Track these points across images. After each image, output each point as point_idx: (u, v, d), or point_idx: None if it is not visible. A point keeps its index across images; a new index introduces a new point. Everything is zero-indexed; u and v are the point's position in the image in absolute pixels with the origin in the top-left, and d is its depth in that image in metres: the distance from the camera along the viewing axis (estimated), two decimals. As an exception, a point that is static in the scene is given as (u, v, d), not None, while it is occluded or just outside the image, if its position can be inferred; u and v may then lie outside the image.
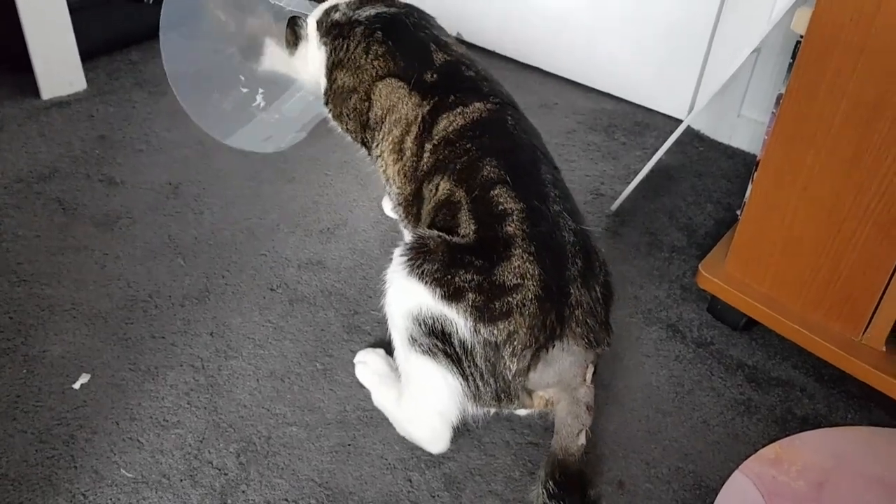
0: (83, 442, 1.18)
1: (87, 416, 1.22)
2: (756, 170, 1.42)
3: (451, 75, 1.25)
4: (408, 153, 1.23)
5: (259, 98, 1.60)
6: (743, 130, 1.97)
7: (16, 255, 1.49)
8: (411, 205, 1.24)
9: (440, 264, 1.05)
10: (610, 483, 1.20)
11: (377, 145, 1.30)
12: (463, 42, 2.41)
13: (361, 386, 1.30)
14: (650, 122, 2.07)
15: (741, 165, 1.91)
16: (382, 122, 1.27)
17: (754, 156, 1.90)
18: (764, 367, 1.40)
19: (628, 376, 1.37)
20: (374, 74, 1.29)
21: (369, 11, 1.35)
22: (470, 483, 1.18)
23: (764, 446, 1.27)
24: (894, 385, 1.26)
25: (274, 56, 1.50)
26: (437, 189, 1.16)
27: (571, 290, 1.07)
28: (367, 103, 1.30)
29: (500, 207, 1.09)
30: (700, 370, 1.39)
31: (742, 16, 1.87)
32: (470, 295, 1.04)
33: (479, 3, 2.35)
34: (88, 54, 2.04)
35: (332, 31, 1.36)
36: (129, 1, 2.21)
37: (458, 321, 1.04)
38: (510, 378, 1.06)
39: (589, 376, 1.10)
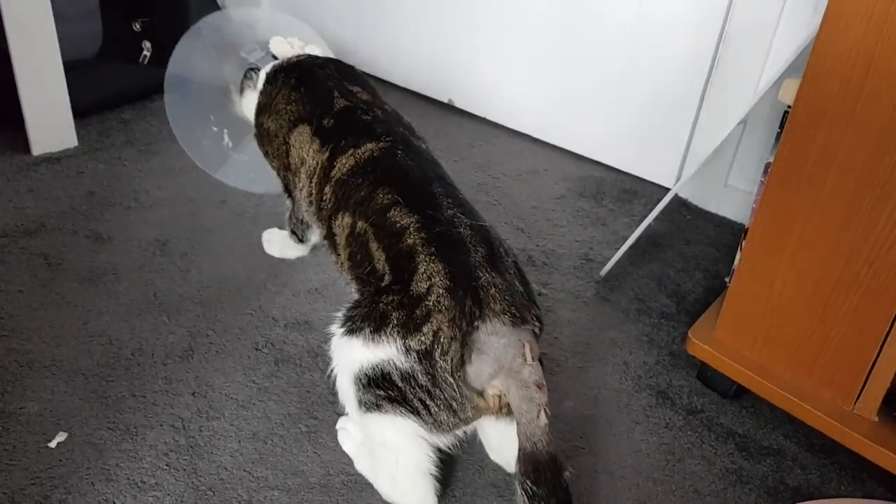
0: (56, 503, 1.14)
1: (62, 475, 1.18)
2: (744, 238, 1.43)
3: (347, 120, 1.35)
4: (315, 197, 1.31)
5: (226, 137, 1.79)
6: (730, 200, 1.99)
7: (-3, 310, 1.47)
8: (332, 241, 1.29)
9: (367, 306, 1.10)
10: (600, 554, 1.16)
11: (296, 189, 1.40)
12: (455, 108, 2.45)
13: (346, 449, 1.27)
14: (638, 190, 2.09)
15: (729, 234, 1.93)
16: (299, 171, 1.37)
17: (742, 224, 1.92)
18: (755, 435, 1.38)
19: (618, 443, 1.35)
20: (289, 119, 1.41)
21: (292, 60, 1.51)
22: (456, 553, 1.14)
23: (757, 518, 1.24)
24: (886, 456, 1.24)
25: (236, 101, 1.66)
26: (343, 225, 1.23)
27: (480, 274, 1.08)
28: (285, 147, 1.41)
29: (398, 225, 1.14)
30: (690, 438, 1.37)
31: (730, 86, 1.92)
32: (393, 315, 1.07)
33: (470, 72, 2.39)
34: (81, 112, 2.05)
35: (269, 78, 1.51)
36: (123, 61, 2.24)
37: (391, 351, 1.06)
38: (451, 379, 1.04)
39: (528, 355, 1.06)
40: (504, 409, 1.08)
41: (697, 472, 1.31)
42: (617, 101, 2.12)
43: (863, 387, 1.27)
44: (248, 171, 1.81)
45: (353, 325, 1.09)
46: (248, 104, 1.58)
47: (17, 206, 1.77)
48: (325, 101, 1.38)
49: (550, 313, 1.63)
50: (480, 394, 1.07)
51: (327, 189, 1.27)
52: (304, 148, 1.35)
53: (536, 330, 1.10)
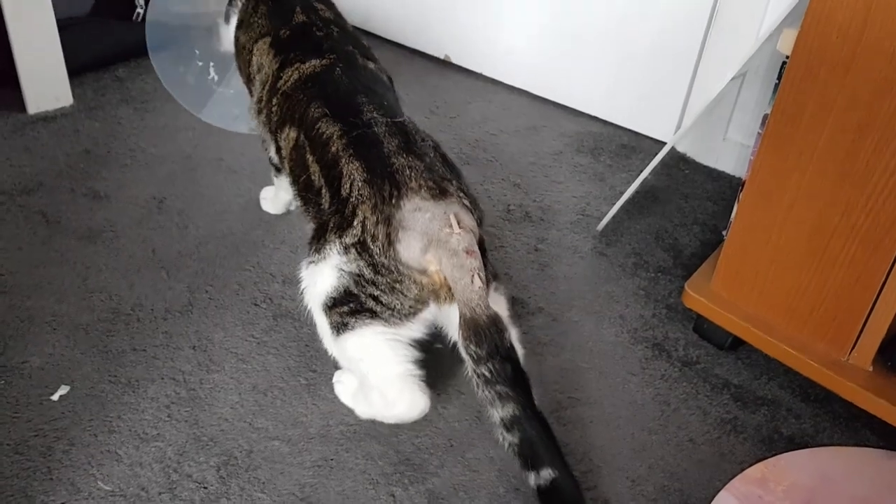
0: (60, 454, 1.16)
1: (64, 427, 1.19)
2: (742, 190, 1.43)
3: (301, 34, 1.41)
4: (264, 106, 1.38)
5: (212, 71, 1.87)
6: (728, 153, 1.98)
7: (-4, 267, 1.48)
8: (279, 157, 1.37)
9: (316, 229, 1.20)
10: (595, 501, 1.18)
11: (252, 97, 1.46)
12: (451, 64, 2.43)
13: (345, 401, 1.29)
14: (636, 145, 2.09)
15: (727, 188, 1.93)
16: (255, 78, 1.44)
17: (739, 179, 1.91)
18: (750, 386, 1.40)
19: (614, 394, 1.36)
20: (257, 32, 1.47)
21: None
22: (454, 499, 1.16)
23: (750, 466, 1.26)
24: (880, 405, 1.26)
25: (222, 34, 1.68)
26: (288, 138, 1.30)
27: (394, 161, 1.16)
28: (249, 57, 1.48)
29: (324, 136, 1.21)
30: (686, 389, 1.38)
31: (728, 38, 1.90)
32: (331, 221, 1.16)
33: (466, 28, 2.37)
34: (75, 70, 2.03)
35: None
36: (116, 19, 2.21)
37: (339, 260, 1.13)
38: (385, 261, 1.11)
39: (455, 225, 1.10)
40: (446, 284, 1.13)
41: (692, 422, 1.32)
42: (615, 56, 2.10)
43: (858, 337, 1.28)
44: (231, 107, 1.89)
45: (310, 253, 1.19)
46: (232, 33, 1.61)
47: (14, 164, 1.77)
48: (287, 14, 1.44)
49: (548, 268, 1.64)
50: (423, 272, 1.11)
51: (274, 101, 1.34)
52: (263, 57, 1.42)
53: (465, 202, 1.16)
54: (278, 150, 1.35)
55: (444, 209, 1.12)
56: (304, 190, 1.26)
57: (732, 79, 1.63)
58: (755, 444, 1.29)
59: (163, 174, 1.80)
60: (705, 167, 2.01)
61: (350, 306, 1.14)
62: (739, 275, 1.39)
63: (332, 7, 1.53)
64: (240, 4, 1.57)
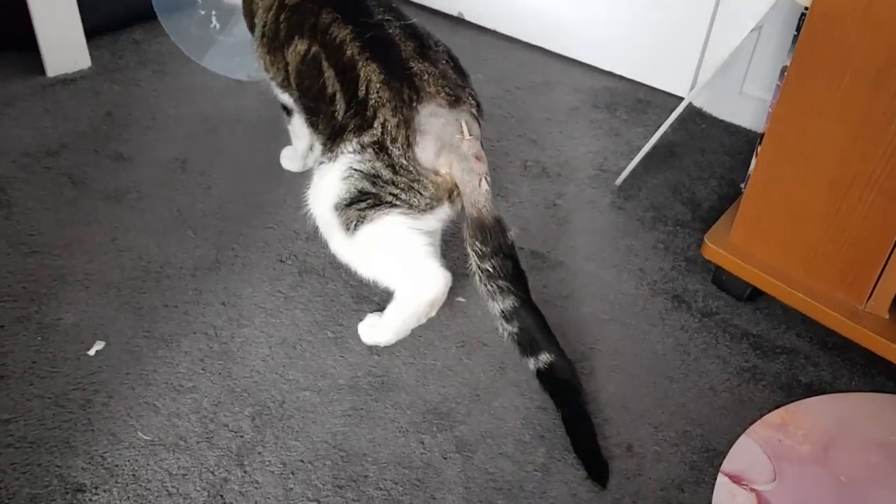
0: (100, 406, 1.20)
1: (102, 381, 1.23)
2: (760, 144, 1.44)
3: None
4: (270, 27, 1.42)
5: (214, 20, 1.92)
6: (745, 108, 1.98)
7: (27, 227, 1.50)
8: (286, 81, 1.41)
9: (329, 136, 1.25)
10: (618, 446, 1.22)
11: (255, 31, 1.49)
12: (465, 21, 2.42)
13: (372, 353, 1.32)
14: (651, 100, 2.09)
15: (744, 142, 1.93)
16: (259, 8, 1.47)
17: (757, 132, 1.92)
18: (769, 335, 1.42)
19: (635, 345, 1.39)
20: None
21: None
22: (481, 445, 1.20)
23: (770, 412, 1.29)
24: (897, 351, 1.28)
25: None
26: (296, 49, 1.33)
27: (412, 65, 1.21)
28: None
29: (338, 39, 1.26)
30: (706, 339, 1.41)
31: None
32: (351, 123, 1.21)
33: (482, -16, 2.36)
34: (93, 32, 2.04)
35: None
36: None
37: (355, 158, 1.20)
38: (405, 162, 1.18)
39: (466, 132, 1.19)
40: (455, 186, 1.21)
41: (712, 370, 1.35)
42: (629, 10, 2.09)
43: (875, 285, 1.30)
44: (232, 55, 1.94)
45: (322, 159, 1.25)
46: None
47: (36, 127, 1.79)
48: None
49: (566, 223, 1.65)
50: (436, 172, 1.19)
51: (282, 17, 1.38)
52: None
53: (474, 111, 1.24)
54: (286, 70, 1.39)
55: (456, 116, 1.20)
56: (316, 100, 1.31)
57: (750, 32, 1.63)
58: (774, 392, 1.32)
59: (183, 135, 1.81)
60: (722, 121, 2.01)
61: (368, 202, 1.20)
62: (758, 226, 1.41)
63: None
64: None
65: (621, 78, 2.17)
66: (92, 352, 1.28)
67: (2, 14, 2.00)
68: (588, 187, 1.77)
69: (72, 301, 1.36)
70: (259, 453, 1.15)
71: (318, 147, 1.41)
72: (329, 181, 1.23)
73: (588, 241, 1.61)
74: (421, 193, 1.19)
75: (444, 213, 1.24)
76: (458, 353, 1.33)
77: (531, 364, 1.20)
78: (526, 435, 1.22)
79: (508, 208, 1.68)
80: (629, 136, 1.94)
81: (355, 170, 1.19)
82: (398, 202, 1.19)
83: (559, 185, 1.76)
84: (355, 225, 1.21)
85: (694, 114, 2.03)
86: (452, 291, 1.40)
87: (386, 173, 1.18)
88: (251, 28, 1.55)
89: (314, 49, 1.30)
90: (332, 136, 1.25)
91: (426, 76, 1.21)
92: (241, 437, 1.17)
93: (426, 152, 1.18)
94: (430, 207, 1.21)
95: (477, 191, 1.18)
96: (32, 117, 1.82)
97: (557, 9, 2.23)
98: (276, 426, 1.19)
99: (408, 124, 1.17)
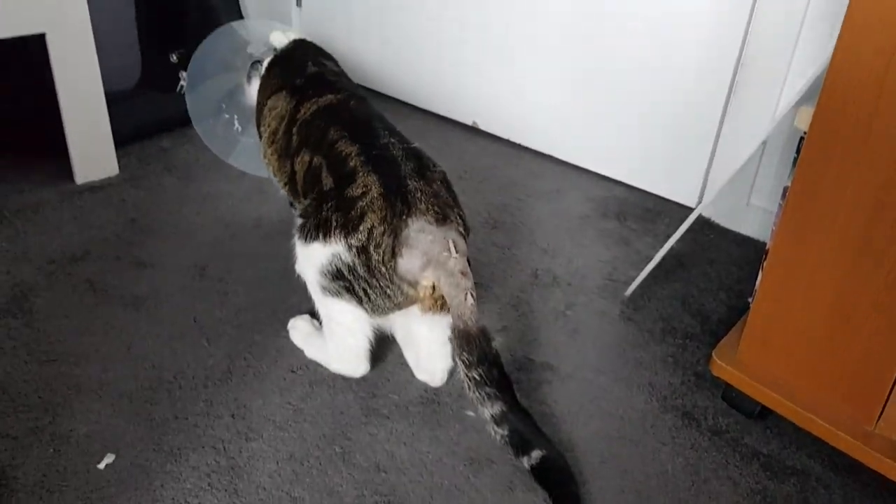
0: (106, 523, 1.20)
1: (110, 496, 1.24)
2: (765, 259, 1.46)
3: (316, 80, 1.61)
4: (281, 138, 1.56)
5: (236, 122, 2.04)
6: (752, 218, 2.01)
7: (46, 335, 1.54)
8: (293, 183, 1.52)
9: (314, 217, 1.35)
10: (626, 572, 1.20)
11: (262, 138, 1.65)
12: (479, 130, 2.50)
13: (379, 469, 1.32)
14: (661, 210, 2.13)
15: (752, 252, 1.96)
16: (267, 118, 1.62)
17: (764, 243, 1.94)
18: (780, 455, 1.41)
19: (644, 464, 1.38)
20: (273, 89, 1.66)
21: (279, 47, 1.78)
22: (486, 570, 1.18)
23: (781, 536, 1.27)
24: (909, 476, 1.27)
25: (248, 91, 1.90)
26: (302, 161, 1.46)
27: (409, 183, 1.32)
28: (263, 109, 1.66)
29: (343, 153, 1.38)
30: (716, 459, 1.40)
31: (748, 110, 1.95)
32: (333, 217, 1.32)
33: (492, 95, 2.45)
34: (121, 141, 2.13)
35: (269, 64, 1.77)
36: (161, 91, 2.32)
37: (339, 249, 1.31)
38: (384, 270, 1.28)
39: (453, 249, 1.28)
40: (435, 301, 1.32)
41: (723, 492, 1.34)
42: (638, 123, 2.16)
43: (884, 406, 1.30)
44: (256, 153, 2.03)
45: (309, 234, 1.36)
46: (254, 92, 1.80)
47: (63, 233, 1.85)
48: (300, 68, 1.65)
49: (576, 334, 1.67)
50: (414, 285, 1.30)
51: (294, 130, 1.51)
52: (278, 101, 1.60)
53: (461, 230, 1.33)
54: (292, 174, 1.50)
55: (444, 234, 1.29)
56: (315, 205, 1.40)
57: (755, 146, 1.67)
58: (785, 515, 1.30)
59: (204, 241, 1.87)
60: (730, 232, 2.05)
61: (343, 284, 1.34)
62: (766, 343, 1.41)
63: (337, 64, 1.75)
64: (261, 69, 1.77)
65: (630, 187, 2.22)
66: (102, 465, 1.29)
67: (35, 123, 2.11)
68: (598, 297, 1.79)
69: (85, 411, 1.38)
70: (262, 575, 1.15)
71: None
72: (318, 254, 1.35)
73: (598, 353, 1.62)
74: (390, 299, 1.31)
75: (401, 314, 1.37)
76: (465, 471, 1.32)
77: (525, 462, 1.26)
78: (532, 558, 1.21)
79: (518, 318, 1.70)
80: (638, 245, 1.98)
81: (340, 258, 1.32)
82: (364, 298, 1.33)
83: (569, 295, 1.79)
84: (330, 294, 1.37)
85: (702, 224, 2.07)
86: (461, 406, 1.41)
87: (361, 270, 1.30)
88: (259, 130, 1.70)
89: (317, 160, 1.42)
90: (320, 223, 1.36)
91: (419, 194, 1.31)
92: (245, 557, 1.17)
93: (411, 265, 1.28)
94: (389, 312, 1.35)
95: (463, 304, 1.27)
96: (59, 223, 1.88)
97: (568, 119, 2.30)
98: (280, 546, 1.19)
99: (395, 234, 1.27)
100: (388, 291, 1.31)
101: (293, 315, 1.65)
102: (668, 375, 1.57)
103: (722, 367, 1.46)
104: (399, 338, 1.53)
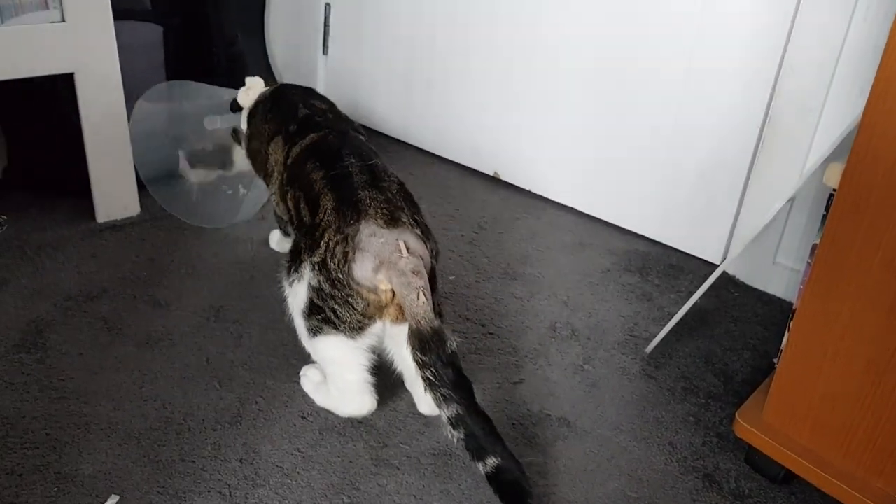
0: (105, 567, 1.17)
1: (111, 539, 1.21)
2: (792, 318, 1.42)
3: (305, 123, 1.66)
4: (278, 179, 1.62)
5: (241, 189, 2.15)
6: (778, 278, 1.98)
7: (58, 372, 1.53)
8: (290, 216, 1.56)
9: (295, 260, 1.41)
10: None
11: (270, 184, 1.72)
12: (500, 181, 2.50)
13: (388, 522, 1.28)
14: (684, 266, 2.10)
15: (777, 312, 1.91)
16: (273, 169, 1.68)
17: (790, 303, 1.90)
18: (805, 523, 1.35)
19: (663, 526, 1.33)
20: (268, 135, 1.72)
21: (265, 92, 1.89)
22: None
23: None
24: (944, 550, 1.20)
25: (236, 157, 2.02)
26: (293, 196, 1.52)
27: (360, 193, 1.37)
28: (265, 157, 1.72)
29: (312, 179, 1.46)
30: (738, 524, 1.34)
31: (775, 166, 1.93)
32: (302, 244, 1.39)
33: (514, 146, 2.45)
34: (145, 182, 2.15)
35: (250, 114, 1.88)
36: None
37: (308, 275, 1.35)
38: (340, 276, 1.31)
39: (403, 249, 1.29)
40: (399, 308, 1.31)
41: (745, 559, 1.28)
42: (662, 177, 2.14)
43: (916, 476, 1.24)
44: (261, 202, 2.15)
45: (291, 274, 1.41)
46: (242, 155, 1.92)
47: (81, 271, 1.85)
48: (292, 113, 1.71)
49: (594, 389, 1.63)
50: (373, 290, 1.30)
51: (286, 173, 1.58)
52: (277, 151, 1.66)
53: (417, 231, 1.35)
54: (288, 212, 1.56)
55: (395, 236, 1.31)
56: (296, 226, 1.51)
57: (782, 203, 1.65)
58: (812, 588, 1.24)
59: (221, 283, 1.86)
60: (755, 290, 2.01)
61: (320, 316, 1.36)
62: (791, 406, 1.37)
63: (326, 101, 1.82)
64: (244, 130, 1.89)
65: (653, 242, 2.20)
66: (105, 507, 1.26)
67: (60, 163, 2.13)
68: (618, 353, 1.75)
69: (92, 451, 1.36)
70: None
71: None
72: (298, 292, 1.40)
73: (616, 410, 1.58)
74: (354, 308, 1.32)
75: (378, 331, 1.36)
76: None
77: (480, 468, 1.24)
78: None
79: (536, 370, 1.67)
80: (661, 301, 1.94)
81: (310, 285, 1.35)
82: (336, 319, 1.33)
83: (588, 349, 1.75)
84: (313, 334, 1.39)
85: (726, 281, 2.03)
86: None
87: (326, 287, 1.32)
88: (266, 181, 1.77)
89: (298, 193, 1.49)
90: (297, 254, 1.41)
91: (370, 201, 1.35)
92: None
93: (364, 269, 1.30)
94: (360, 325, 1.34)
95: (415, 304, 1.27)
96: (79, 261, 1.89)
97: (589, 172, 2.29)
98: None
99: (346, 241, 1.31)
100: (350, 300, 1.32)
101: (306, 359, 1.62)
102: (689, 436, 1.52)
103: (746, 428, 1.41)
104: (405, 378, 1.52)
